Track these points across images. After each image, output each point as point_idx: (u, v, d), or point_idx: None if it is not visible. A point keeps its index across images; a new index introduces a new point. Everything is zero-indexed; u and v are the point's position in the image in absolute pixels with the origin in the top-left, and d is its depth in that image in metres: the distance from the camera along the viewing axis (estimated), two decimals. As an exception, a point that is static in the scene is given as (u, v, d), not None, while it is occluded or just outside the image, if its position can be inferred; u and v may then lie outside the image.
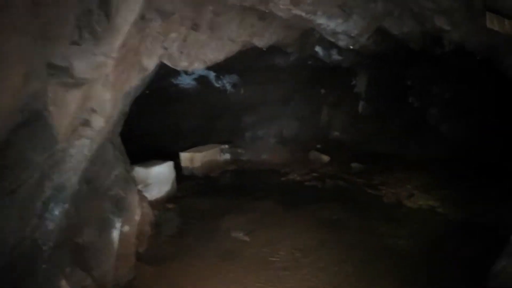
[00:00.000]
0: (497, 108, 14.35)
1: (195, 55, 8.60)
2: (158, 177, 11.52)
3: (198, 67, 9.08)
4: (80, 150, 6.36)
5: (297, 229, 9.51)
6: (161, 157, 12.26)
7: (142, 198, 9.78)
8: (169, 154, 13.41)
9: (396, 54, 14.33)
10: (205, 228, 9.79)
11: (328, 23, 9.55)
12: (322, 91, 17.39)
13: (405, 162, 14.79)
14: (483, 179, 12.41)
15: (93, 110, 6.31)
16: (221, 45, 9.04)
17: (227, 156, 15.46)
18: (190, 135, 16.55)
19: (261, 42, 9.98)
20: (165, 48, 7.86)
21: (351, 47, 10.75)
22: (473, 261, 7.68)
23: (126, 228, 8.12)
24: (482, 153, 14.36)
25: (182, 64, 8.47)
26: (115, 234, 7.58)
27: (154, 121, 16.97)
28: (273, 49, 12.50)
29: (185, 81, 17.02)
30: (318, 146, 16.52)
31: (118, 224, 7.69)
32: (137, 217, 8.71)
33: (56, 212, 6.02)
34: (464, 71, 14.63)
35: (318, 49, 12.59)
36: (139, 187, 10.32)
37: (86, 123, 6.29)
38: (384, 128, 16.76)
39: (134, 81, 7.55)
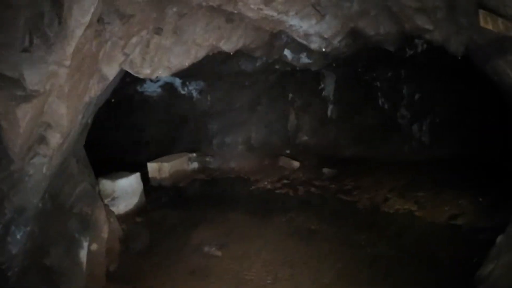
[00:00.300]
0: (469, 107, 14.33)
1: (159, 61, 7.92)
2: (126, 190, 10.90)
3: (162, 74, 8.38)
4: (38, 169, 5.84)
5: (271, 241, 9.04)
6: (128, 168, 11.62)
7: (110, 213, 9.19)
8: (136, 165, 12.78)
9: (366, 56, 14.08)
10: (176, 243, 9.24)
11: (300, 24, 9.00)
12: (290, 95, 16.96)
13: (377, 165, 14.51)
14: (458, 180, 12.03)
15: (49, 126, 5.77)
16: (186, 50, 8.38)
17: (195, 165, 14.92)
18: (157, 144, 16.00)
19: (228, 46, 9.35)
20: (126, 54, 7.18)
21: (324, 49, 10.24)
22: (458, 265, 7.48)
23: (94, 247, 7.64)
24: (454, 153, 14.33)
25: (144, 71, 7.80)
26: (83, 254, 7.14)
27: (119, 130, 16.39)
28: (240, 54, 12.02)
29: (150, 89, 16.47)
30: (287, 151, 16.18)
31: (85, 244, 7.24)
32: (105, 234, 8.19)
33: (18, 236, 5.63)
34: (434, 71, 14.48)
35: (286, 52, 12.05)
36: (106, 201, 9.79)
37: (42, 140, 5.75)
38: (353, 131, 16.45)
39: (94, 91, 6.92)
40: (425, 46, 12.91)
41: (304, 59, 12.32)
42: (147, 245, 9.40)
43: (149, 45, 7.54)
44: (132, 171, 11.44)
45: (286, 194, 12.24)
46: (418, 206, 10.64)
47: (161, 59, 7.97)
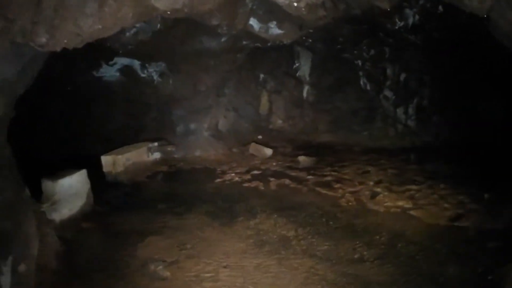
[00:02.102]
0: (459, 89, 12.93)
1: (60, 25, 5.59)
2: (69, 191, 8.40)
3: (71, 45, 6.00)
4: None
5: (234, 255, 6.89)
6: (85, 164, 9.18)
7: (45, 222, 7.04)
8: (92, 159, 10.78)
9: (347, 30, 12.41)
10: (120, 259, 6.94)
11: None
12: (261, 76, 14.92)
13: (359, 152, 12.90)
14: (452, 171, 10.58)
15: None
16: (102, 9, 5.99)
17: (157, 155, 12.70)
18: (116, 135, 13.53)
19: (163, 2, 7.00)
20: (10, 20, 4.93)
21: (295, 4, 8.11)
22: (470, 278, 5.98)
23: (22, 268, 5.68)
24: (444, 138, 13.10)
25: (39, 39, 5.44)
26: (4, 280, 5.36)
27: (75, 122, 14.09)
28: (201, 30, 10.54)
29: (108, 73, 14.25)
30: (259, 137, 14.22)
31: (5, 268, 5.40)
32: (34, 251, 6.14)
33: None
34: (422, 49, 12.91)
35: (252, 21, 9.99)
36: (45, 206, 7.58)
37: None
38: (332, 114, 14.61)
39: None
40: (417, 17, 11.17)
41: (274, 29, 10.19)
42: (87, 261, 7.02)
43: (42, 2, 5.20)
44: (87, 166, 9.09)
45: (256, 188, 10.08)
46: (412, 203, 8.72)
47: (63, 22, 5.59)
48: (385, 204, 8.73)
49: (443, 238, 7.27)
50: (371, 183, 9.95)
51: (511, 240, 6.75)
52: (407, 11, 11.05)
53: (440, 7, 10.29)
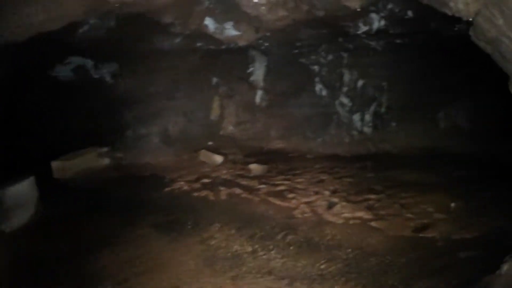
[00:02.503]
0: (419, 95, 12.82)
1: None
2: (16, 200, 7.67)
3: (10, 37, 5.22)
4: None
5: (188, 273, 6.16)
6: (32, 169, 8.58)
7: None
8: (41, 164, 10.23)
9: (307, 35, 11.79)
10: (62, 282, 6.07)
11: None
12: (214, 79, 14.05)
13: (313, 160, 12.21)
14: (413, 179, 10.13)
15: None
16: None
17: (107, 161, 11.89)
18: (68, 139, 12.68)
19: None
20: None
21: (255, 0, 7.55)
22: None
23: None
24: (401, 146, 12.66)
25: None
26: None
27: (25, 125, 13.10)
28: (152, 27, 9.96)
29: (62, 73, 13.38)
30: (210, 143, 13.42)
31: None
32: None
33: None
34: (381, 56, 12.59)
35: (208, 21, 9.40)
36: None
37: None
38: (285, 120, 13.90)
39: None
40: (382, 22, 10.54)
41: (230, 30, 9.64)
42: (35, 274, 6.22)
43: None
44: (36, 172, 8.46)
45: (206, 198, 9.34)
46: (372, 214, 8.14)
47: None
48: (343, 215, 8.11)
49: (410, 250, 6.68)
50: (327, 192, 9.33)
51: (483, 250, 6.32)
52: (373, 15, 10.40)
53: (410, 12, 9.74)
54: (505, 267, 4.59)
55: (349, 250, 6.73)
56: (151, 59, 12.31)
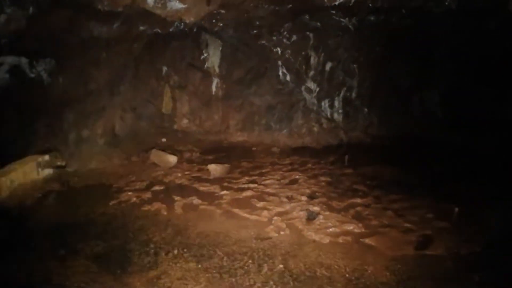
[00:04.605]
0: (391, 79, 11.83)
1: None
2: None
3: None
4: None
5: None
6: None
7: None
8: None
9: (264, 9, 9.87)
10: None
11: None
12: (164, 69, 12.26)
13: (278, 155, 10.76)
14: (399, 176, 8.77)
15: None
16: None
17: (48, 171, 9.76)
18: (6, 147, 10.63)
19: None
20: None
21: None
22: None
23: None
24: (375, 135, 11.66)
25: None
26: None
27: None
28: (85, 12, 8.53)
29: (-2, 76, 11.45)
30: (163, 140, 11.69)
31: None
32: None
33: None
34: (352, 35, 11.36)
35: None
36: None
37: None
38: (245, 110, 12.39)
39: None
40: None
41: (174, 3, 7.62)
42: None
43: None
44: None
45: (158, 213, 7.24)
46: (364, 226, 6.39)
47: None
48: (329, 230, 6.27)
49: (416, 275, 5.10)
50: (303, 198, 7.54)
51: (496, 267, 5.22)
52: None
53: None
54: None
55: (344, 282, 4.92)
56: (90, 50, 10.49)
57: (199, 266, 5.35)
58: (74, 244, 6.09)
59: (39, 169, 9.53)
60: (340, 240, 5.99)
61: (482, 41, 9.86)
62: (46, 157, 9.80)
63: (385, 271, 5.17)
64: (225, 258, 5.51)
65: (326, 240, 5.99)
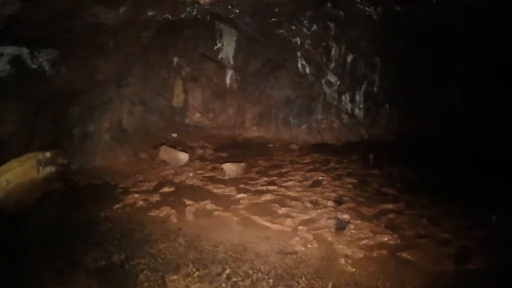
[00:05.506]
0: (415, 73, 10.80)
1: None
2: None
3: None
4: None
5: None
6: None
7: None
8: None
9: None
10: None
11: None
12: (175, 59, 11.42)
13: (298, 153, 10.08)
14: (428, 177, 8.08)
15: None
16: None
17: (50, 169, 8.98)
18: (6, 142, 9.88)
19: None
20: None
21: None
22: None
23: None
24: (399, 131, 10.74)
25: None
26: None
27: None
28: None
29: (-2, 68, 10.76)
30: (174, 135, 10.87)
31: None
32: None
33: None
34: (375, 27, 10.65)
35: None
36: None
37: None
38: (262, 104, 11.60)
39: None
40: None
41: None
42: None
43: None
44: None
45: (167, 220, 6.38)
46: (399, 237, 5.58)
47: None
48: (362, 242, 5.46)
49: None
50: (330, 203, 6.70)
51: None
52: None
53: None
54: None
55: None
56: (95, 37, 9.56)
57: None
58: (73, 255, 5.29)
59: (40, 167, 8.78)
60: (375, 254, 5.20)
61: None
62: (48, 154, 9.06)
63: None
64: (246, 278, 4.68)
65: (360, 254, 5.18)
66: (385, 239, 5.53)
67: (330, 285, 4.51)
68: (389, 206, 6.60)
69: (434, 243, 5.46)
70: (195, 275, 4.74)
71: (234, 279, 4.65)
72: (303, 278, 4.64)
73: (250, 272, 4.81)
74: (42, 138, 9.80)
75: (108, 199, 7.30)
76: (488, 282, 4.68)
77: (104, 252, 5.35)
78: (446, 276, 4.79)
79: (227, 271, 4.80)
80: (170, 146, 9.80)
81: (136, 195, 7.30)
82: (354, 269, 4.86)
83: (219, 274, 4.74)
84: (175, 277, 4.72)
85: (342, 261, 5.04)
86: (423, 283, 4.61)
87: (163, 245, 5.49)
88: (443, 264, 5.02)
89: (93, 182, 8.34)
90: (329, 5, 9.90)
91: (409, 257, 5.14)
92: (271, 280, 4.62)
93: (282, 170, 8.52)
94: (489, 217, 5.99)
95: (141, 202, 7.00)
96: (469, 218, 6.15)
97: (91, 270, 4.96)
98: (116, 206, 6.93)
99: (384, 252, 5.24)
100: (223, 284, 4.57)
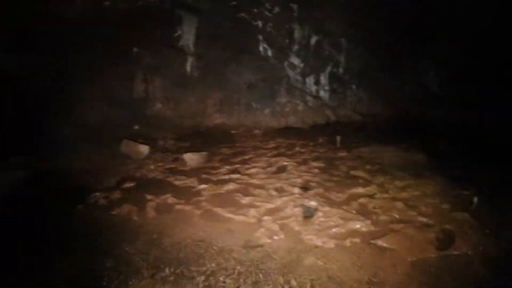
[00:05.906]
0: (382, 54, 10.83)
1: None
2: None
3: None
4: None
5: None
6: None
7: None
8: None
9: None
10: None
11: None
12: (134, 49, 10.88)
13: (261, 138, 9.75)
14: (396, 158, 7.79)
15: None
16: None
17: (20, 173, 8.40)
18: None
19: None
20: None
21: None
22: None
23: None
24: (366, 113, 10.69)
25: None
26: None
27: None
28: None
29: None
30: (136, 127, 10.29)
31: None
32: None
33: None
34: (339, 5, 10.53)
35: None
36: None
37: None
38: (223, 91, 11.14)
39: None
40: None
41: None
42: None
43: None
44: None
45: (128, 219, 5.85)
46: (372, 223, 5.23)
47: None
48: (332, 230, 5.06)
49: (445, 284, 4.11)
50: (296, 189, 6.31)
51: None
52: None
53: None
54: None
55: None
56: (56, 35, 9.31)
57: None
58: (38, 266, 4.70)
59: (9, 172, 8.16)
60: (348, 243, 4.80)
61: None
62: (17, 158, 8.49)
63: (408, 280, 4.11)
64: (209, 277, 4.24)
65: (331, 244, 4.77)
66: (357, 226, 5.13)
67: (300, 280, 4.15)
68: (360, 190, 6.21)
69: (412, 228, 5.07)
70: (158, 277, 4.31)
71: (198, 279, 4.22)
72: (272, 275, 4.24)
73: (215, 269, 4.36)
74: (7, 140, 9.30)
75: (72, 200, 6.61)
76: (472, 268, 4.39)
77: (61, 263, 4.77)
78: (428, 263, 4.45)
79: (191, 272, 4.36)
80: (131, 139, 9.26)
81: (97, 193, 6.70)
82: (325, 261, 4.45)
83: (182, 275, 4.31)
84: (137, 281, 4.28)
85: (312, 252, 4.62)
86: (404, 272, 4.26)
87: (125, 245, 4.96)
88: (423, 250, 4.66)
89: (58, 184, 7.54)
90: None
91: (385, 244, 4.75)
92: (240, 277, 4.22)
93: (245, 157, 8.13)
94: (470, 199, 5.72)
95: (102, 201, 6.43)
96: (448, 200, 5.77)
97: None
98: (80, 206, 6.32)
99: (357, 240, 4.84)
100: (189, 280, 4.17)
